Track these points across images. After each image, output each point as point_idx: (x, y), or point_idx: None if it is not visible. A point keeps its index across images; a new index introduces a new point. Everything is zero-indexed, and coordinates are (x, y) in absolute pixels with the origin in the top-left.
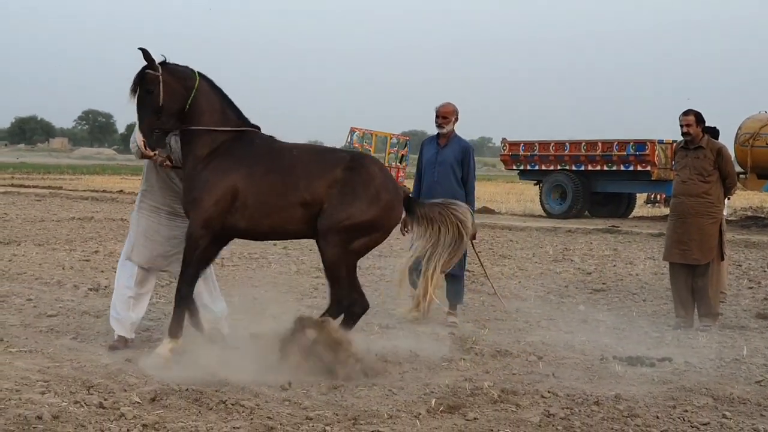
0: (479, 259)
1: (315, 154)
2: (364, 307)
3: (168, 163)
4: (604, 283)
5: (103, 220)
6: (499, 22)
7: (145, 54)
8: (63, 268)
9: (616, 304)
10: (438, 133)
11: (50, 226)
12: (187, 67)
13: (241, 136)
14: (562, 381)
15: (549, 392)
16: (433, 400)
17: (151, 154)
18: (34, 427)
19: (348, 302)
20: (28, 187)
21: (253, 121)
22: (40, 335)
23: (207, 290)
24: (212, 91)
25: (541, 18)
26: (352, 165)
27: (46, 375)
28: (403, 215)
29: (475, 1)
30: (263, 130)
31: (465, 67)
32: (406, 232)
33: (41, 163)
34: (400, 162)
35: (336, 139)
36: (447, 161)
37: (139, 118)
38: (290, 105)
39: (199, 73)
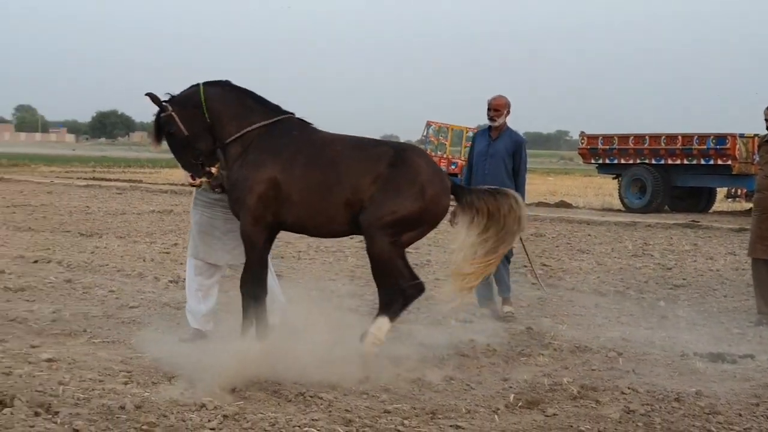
0: (525, 248)
1: (358, 149)
2: (420, 288)
3: (219, 190)
4: (684, 279)
5: (182, 213)
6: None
7: (153, 98)
8: (144, 260)
9: (697, 299)
10: (489, 126)
11: (131, 219)
12: (191, 87)
13: (275, 127)
14: (643, 377)
15: (629, 388)
16: (512, 396)
17: (198, 182)
18: (117, 417)
19: (397, 295)
20: (109, 180)
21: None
22: (122, 326)
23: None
24: (224, 93)
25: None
26: (395, 160)
27: (128, 365)
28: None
29: None
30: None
31: (541, 58)
32: (455, 224)
33: (122, 156)
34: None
35: (412, 133)
36: (498, 154)
37: (177, 159)
38: (364, 99)
39: (203, 83)
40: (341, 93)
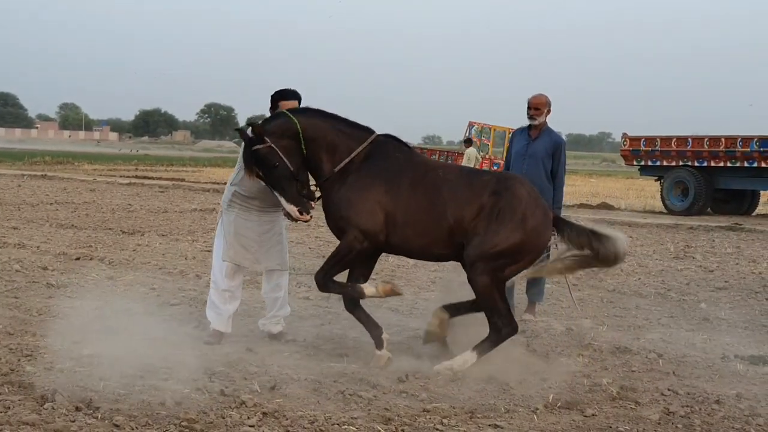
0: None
1: (461, 177)
2: (514, 329)
3: (309, 217)
4: (726, 281)
5: None
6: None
7: (243, 134)
8: (185, 258)
9: (739, 302)
10: (529, 125)
11: (173, 217)
12: (280, 117)
13: (374, 150)
14: (683, 379)
15: (669, 390)
16: (551, 396)
17: (308, 217)
18: (157, 413)
19: (492, 333)
20: (152, 178)
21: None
22: (163, 323)
23: (270, 296)
24: (314, 120)
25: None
26: (498, 189)
27: (168, 362)
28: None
29: None
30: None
31: (584, 58)
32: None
33: (164, 155)
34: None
35: (455, 133)
36: (537, 154)
37: (283, 194)
38: (407, 97)
39: (293, 112)
40: (385, 88)
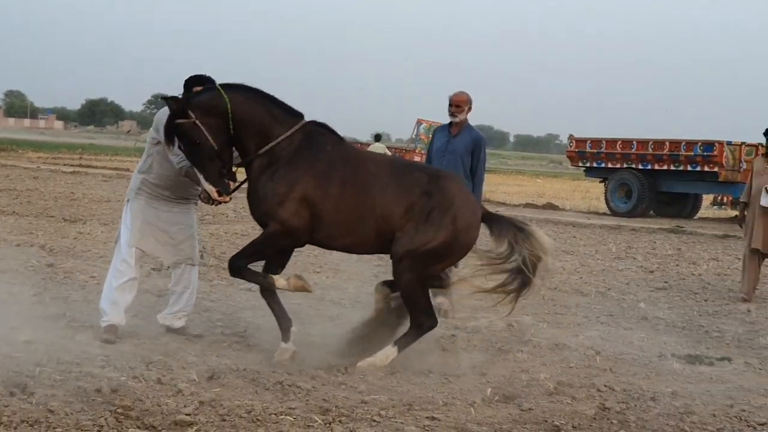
0: None
1: (392, 172)
2: (433, 324)
3: (228, 198)
4: (665, 282)
5: None
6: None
7: (170, 103)
8: None
9: (677, 302)
10: (450, 122)
11: (116, 207)
12: (210, 91)
13: (305, 139)
14: (619, 376)
15: (605, 386)
16: (489, 389)
17: (228, 199)
18: (93, 400)
19: (413, 329)
20: (96, 167)
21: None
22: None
23: (176, 289)
24: (248, 100)
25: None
26: (429, 188)
27: (106, 350)
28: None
29: None
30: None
31: (533, 61)
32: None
33: (110, 145)
34: None
35: (402, 131)
36: (457, 151)
37: (202, 171)
38: (354, 96)
39: (224, 86)
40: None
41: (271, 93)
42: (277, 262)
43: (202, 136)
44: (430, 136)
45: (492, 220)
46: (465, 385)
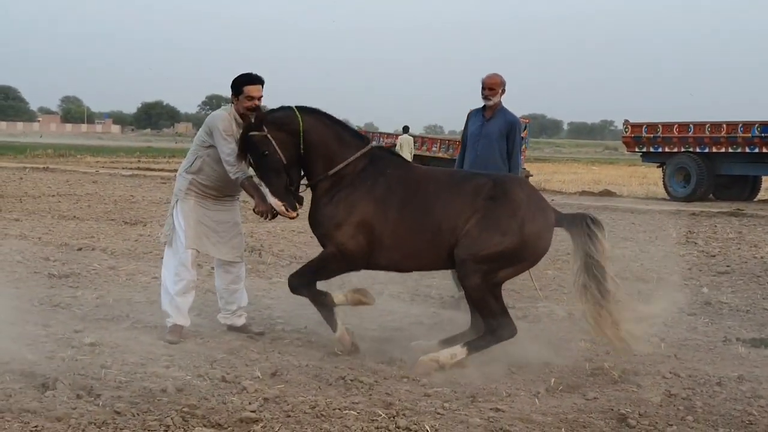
0: None
1: (453, 185)
2: (512, 332)
3: (295, 214)
4: (728, 266)
5: None
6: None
7: (246, 119)
8: None
9: (741, 286)
10: (484, 105)
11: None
12: (286, 110)
13: (368, 163)
14: (684, 362)
15: (671, 373)
16: (552, 380)
17: (294, 214)
18: (158, 400)
19: (487, 333)
20: (154, 170)
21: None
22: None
23: (229, 287)
24: (319, 122)
25: None
26: (494, 194)
27: (170, 350)
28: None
29: None
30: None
31: (583, 47)
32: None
33: (167, 147)
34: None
35: (456, 123)
36: (492, 135)
37: (268, 184)
38: (410, 86)
39: (298, 109)
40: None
41: (341, 119)
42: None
43: (271, 148)
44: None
45: (562, 219)
46: (528, 375)
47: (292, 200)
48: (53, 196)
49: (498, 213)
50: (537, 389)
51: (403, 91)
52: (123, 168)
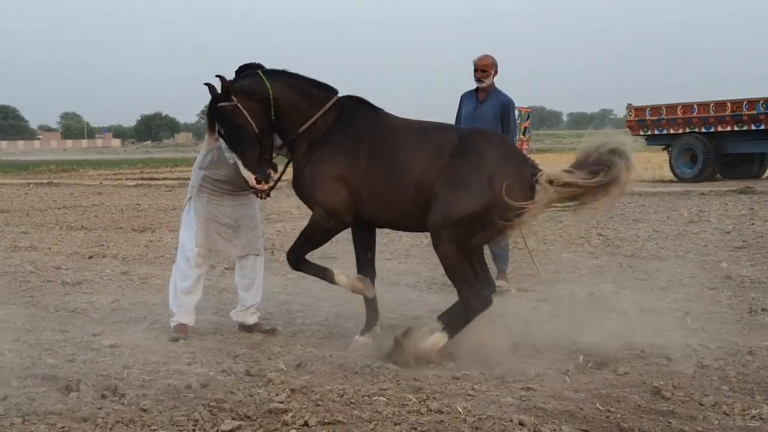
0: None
1: (419, 137)
2: (486, 303)
3: (266, 187)
4: (744, 241)
5: None
6: None
7: (211, 89)
8: None
9: (759, 259)
10: (477, 87)
11: (182, 214)
12: (252, 78)
13: (338, 115)
14: (712, 334)
15: (700, 345)
16: (581, 357)
17: (267, 187)
18: (184, 396)
19: (460, 308)
20: (158, 179)
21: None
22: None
23: (244, 282)
24: (285, 85)
25: None
26: (459, 148)
27: (191, 347)
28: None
29: None
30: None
31: (582, 37)
32: None
33: (168, 157)
34: (524, 134)
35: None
36: (486, 116)
37: (241, 156)
38: (406, 76)
39: (264, 73)
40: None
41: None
42: (361, 248)
43: (243, 118)
44: (518, 120)
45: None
46: (556, 354)
47: (265, 172)
48: (59, 208)
49: (464, 170)
50: (566, 367)
51: (399, 86)
52: (126, 179)
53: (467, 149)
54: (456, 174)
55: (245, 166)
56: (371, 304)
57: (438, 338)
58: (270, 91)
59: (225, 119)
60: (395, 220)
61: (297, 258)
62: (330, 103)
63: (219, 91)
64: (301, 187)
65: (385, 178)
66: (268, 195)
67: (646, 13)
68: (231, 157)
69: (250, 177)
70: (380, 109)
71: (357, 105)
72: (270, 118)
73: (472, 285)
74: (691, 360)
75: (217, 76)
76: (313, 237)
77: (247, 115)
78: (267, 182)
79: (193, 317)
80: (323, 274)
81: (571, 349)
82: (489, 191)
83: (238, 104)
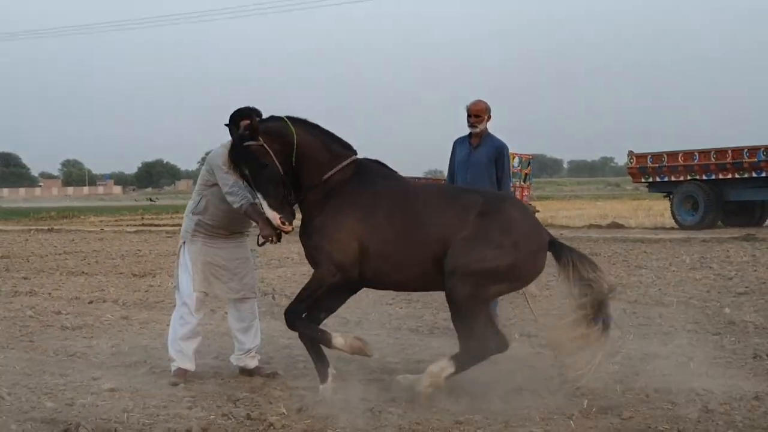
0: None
1: (443, 197)
2: (501, 346)
3: (290, 228)
4: (746, 287)
5: None
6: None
7: (231, 129)
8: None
9: (763, 305)
10: (470, 133)
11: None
12: (278, 121)
13: (357, 173)
14: (717, 379)
15: (704, 390)
16: (585, 402)
17: (290, 228)
18: None
19: (474, 349)
20: (159, 225)
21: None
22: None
23: (242, 325)
24: (309, 135)
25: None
26: (486, 210)
27: (191, 391)
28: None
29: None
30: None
31: (583, 84)
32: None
33: (169, 204)
34: (524, 181)
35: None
36: (480, 162)
37: (266, 196)
38: (405, 126)
39: (289, 120)
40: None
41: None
42: (326, 304)
43: (270, 158)
44: (519, 167)
45: (559, 248)
46: (560, 399)
47: (290, 213)
48: (60, 254)
49: (491, 229)
50: (571, 412)
51: (397, 138)
52: (127, 225)
53: (493, 211)
54: (482, 231)
55: (270, 206)
56: (314, 349)
57: (446, 365)
58: (294, 136)
59: (251, 159)
60: (405, 280)
61: (294, 318)
62: (349, 160)
63: (245, 131)
64: (309, 236)
65: (405, 236)
66: (279, 239)
67: (648, 57)
68: (237, 201)
69: (274, 217)
70: (397, 172)
71: (375, 165)
72: (291, 164)
73: (479, 336)
74: (695, 405)
75: (242, 116)
76: (316, 292)
77: (273, 156)
78: (290, 223)
79: (194, 362)
80: (319, 336)
81: (575, 394)
82: (514, 252)
83: (265, 144)
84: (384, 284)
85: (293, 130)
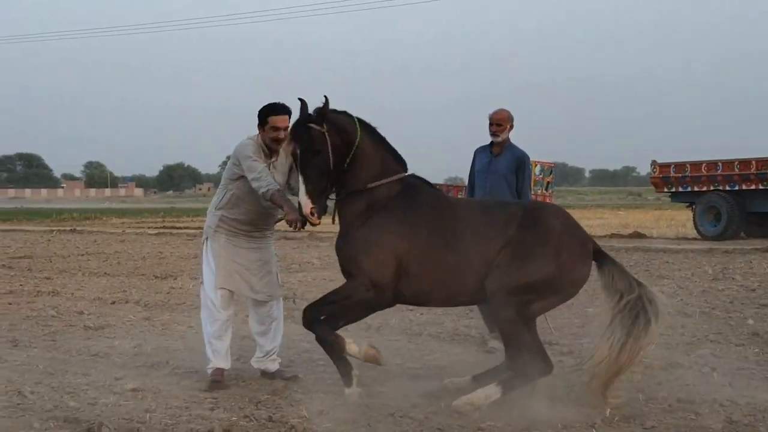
0: None
1: (483, 213)
2: (548, 370)
3: (318, 221)
4: None
5: None
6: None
7: (304, 106)
8: None
9: None
10: (491, 142)
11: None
12: (347, 117)
13: (401, 186)
14: (740, 390)
15: (728, 401)
16: (608, 410)
17: (319, 221)
18: None
19: (521, 371)
20: (180, 228)
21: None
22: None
23: (261, 328)
24: (371, 141)
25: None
26: (525, 222)
27: (213, 393)
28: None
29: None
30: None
31: (606, 93)
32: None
33: (190, 207)
34: (546, 189)
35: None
36: (500, 171)
37: (307, 181)
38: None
39: (359, 122)
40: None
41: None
42: (349, 316)
43: (326, 148)
44: (541, 175)
45: (604, 260)
46: (581, 407)
47: (323, 206)
48: (82, 255)
49: (530, 241)
50: (593, 420)
51: (417, 141)
52: (149, 227)
53: (533, 222)
54: (522, 244)
55: (306, 192)
56: (335, 353)
57: (492, 391)
58: (358, 138)
59: (308, 140)
60: (448, 297)
61: (314, 317)
62: (399, 176)
63: (314, 113)
64: (348, 247)
65: (446, 256)
66: (303, 226)
67: (672, 66)
68: (265, 186)
69: (306, 204)
70: (441, 190)
71: (420, 183)
72: (344, 162)
73: (529, 354)
74: (719, 415)
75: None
76: (343, 301)
77: (329, 146)
78: (319, 216)
79: (229, 361)
80: (334, 340)
81: (597, 402)
82: (555, 263)
83: (326, 132)
84: (424, 302)
85: (359, 132)
